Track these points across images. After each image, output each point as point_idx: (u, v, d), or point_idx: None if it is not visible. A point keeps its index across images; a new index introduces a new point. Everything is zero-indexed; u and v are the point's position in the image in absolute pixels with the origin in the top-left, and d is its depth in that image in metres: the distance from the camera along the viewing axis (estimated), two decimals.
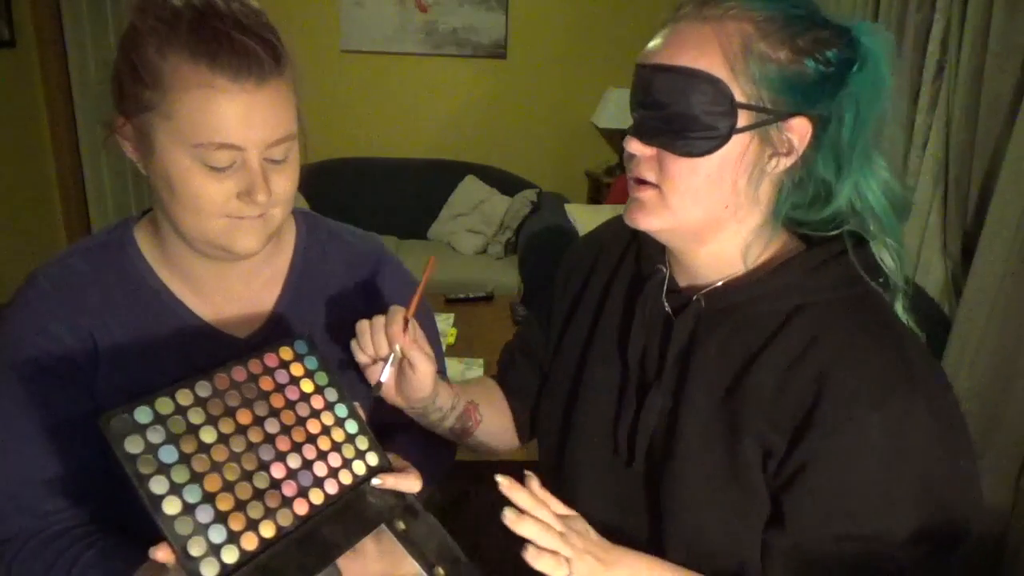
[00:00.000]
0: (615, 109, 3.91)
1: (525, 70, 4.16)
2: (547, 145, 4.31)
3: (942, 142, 1.78)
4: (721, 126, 0.67)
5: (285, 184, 0.76)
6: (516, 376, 1.01)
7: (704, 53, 0.67)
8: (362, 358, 0.81)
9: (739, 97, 0.67)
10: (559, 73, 4.17)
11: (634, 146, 0.72)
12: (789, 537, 0.71)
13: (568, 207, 3.58)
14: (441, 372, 0.92)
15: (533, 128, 4.27)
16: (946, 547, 0.68)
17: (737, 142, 0.68)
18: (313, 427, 0.73)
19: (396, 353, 0.78)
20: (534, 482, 0.69)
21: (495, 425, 0.98)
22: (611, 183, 3.91)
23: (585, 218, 3.41)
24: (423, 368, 0.79)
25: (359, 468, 0.74)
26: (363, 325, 0.80)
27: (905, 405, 0.67)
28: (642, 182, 0.73)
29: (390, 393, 0.84)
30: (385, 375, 0.78)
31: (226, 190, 0.72)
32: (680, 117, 0.68)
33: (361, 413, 0.78)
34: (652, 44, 0.72)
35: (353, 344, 0.81)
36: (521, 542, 0.65)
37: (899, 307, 0.73)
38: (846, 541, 0.69)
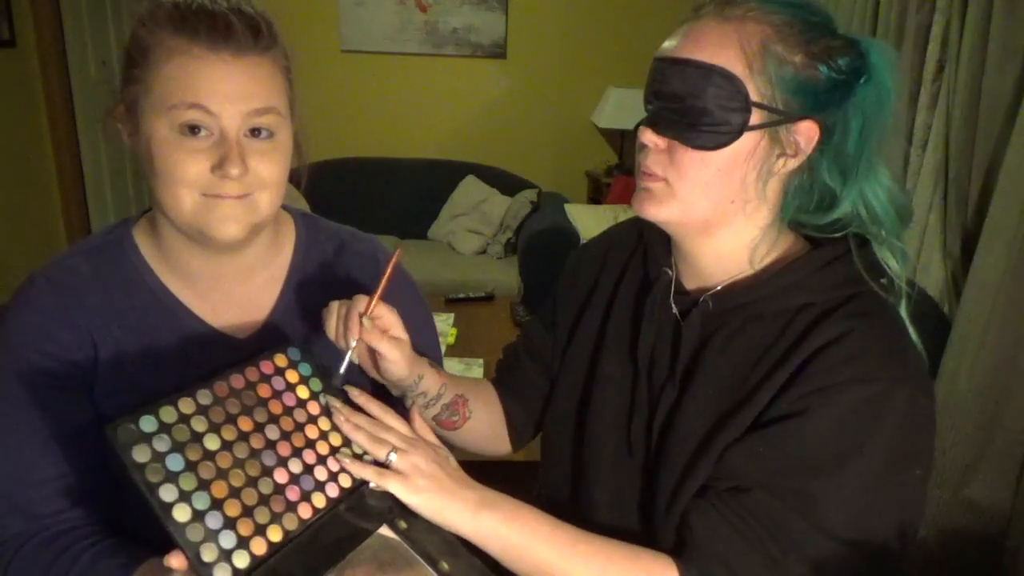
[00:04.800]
0: (615, 109, 3.90)
1: (525, 70, 4.16)
2: (547, 145, 4.31)
3: (942, 142, 1.78)
4: (734, 122, 0.70)
5: (269, 167, 0.76)
6: (520, 377, 1.01)
7: (724, 50, 0.70)
8: (332, 336, 0.80)
9: (754, 96, 0.69)
10: (559, 73, 4.17)
11: (647, 136, 0.74)
12: (730, 481, 0.71)
13: (568, 207, 3.58)
14: (435, 361, 0.92)
15: (533, 128, 4.27)
16: (869, 539, 0.68)
17: (748, 139, 0.71)
18: (311, 432, 0.74)
19: (351, 346, 0.77)
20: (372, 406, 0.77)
21: (485, 426, 0.98)
22: (611, 183, 3.90)
23: (585, 218, 3.41)
24: (390, 355, 0.78)
25: None
26: (331, 307, 0.79)
27: (890, 387, 0.68)
28: (651, 175, 0.75)
29: (370, 372, 0.84)
30: (343, 368, 0.78)
31: (199, 162, 0.72)
32: (695, 110, 0.70)
33: None
34: (671, 39, 0.74)
35: (325, 322, 0.80)
36: None
37: (903, 310, 0.74)
38: (784, 494, 0.68)
